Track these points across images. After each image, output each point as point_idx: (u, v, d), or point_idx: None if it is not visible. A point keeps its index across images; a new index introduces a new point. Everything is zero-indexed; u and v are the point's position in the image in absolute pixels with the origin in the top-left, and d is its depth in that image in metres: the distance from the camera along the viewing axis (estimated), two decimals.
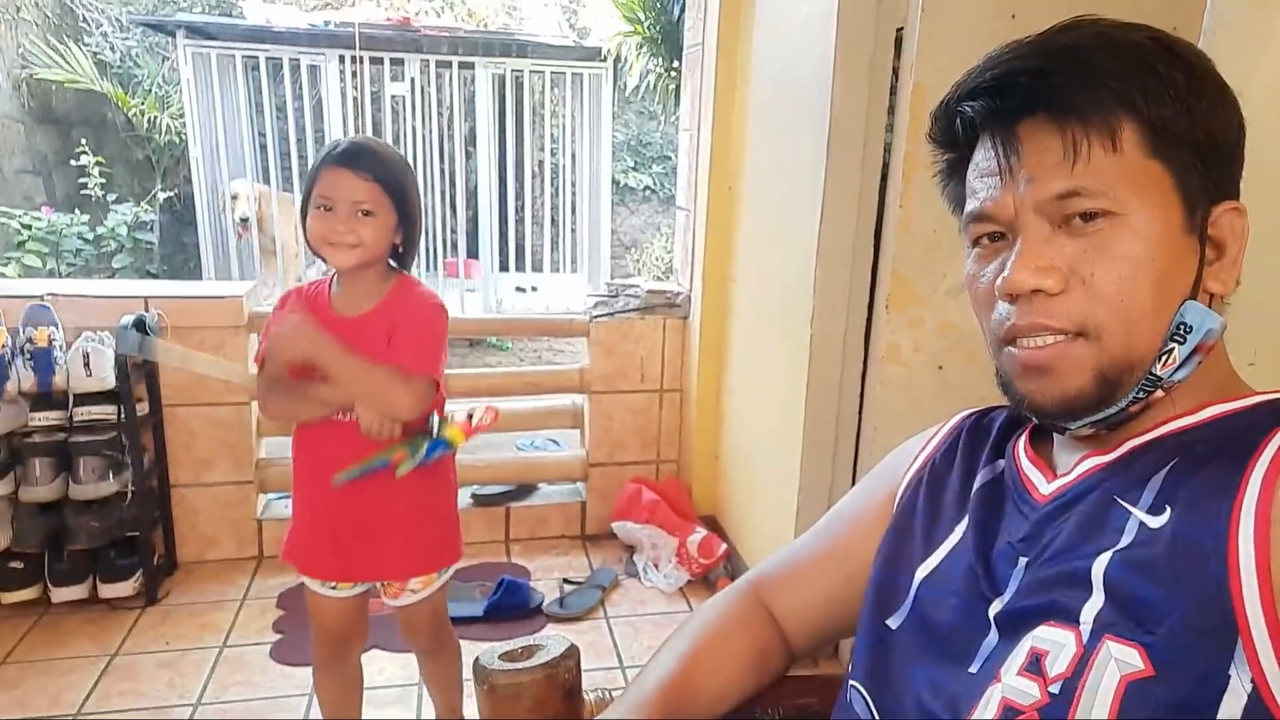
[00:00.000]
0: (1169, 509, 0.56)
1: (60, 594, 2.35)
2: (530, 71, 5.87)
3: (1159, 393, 0.61)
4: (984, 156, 0.64)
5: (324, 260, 1.45)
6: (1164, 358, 0.59)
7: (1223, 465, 0.56)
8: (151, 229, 6.22)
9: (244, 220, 5.52)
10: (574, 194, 6.23)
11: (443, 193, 5.96)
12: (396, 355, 1.44)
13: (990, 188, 0.62)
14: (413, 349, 1.46)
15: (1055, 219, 0.60)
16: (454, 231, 6.10)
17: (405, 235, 1.49)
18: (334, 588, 1.58)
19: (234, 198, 5.53)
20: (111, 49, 6.83)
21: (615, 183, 7.75)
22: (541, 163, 6.43)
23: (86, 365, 2.26)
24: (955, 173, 0.69)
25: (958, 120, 0.65)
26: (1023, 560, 0.64)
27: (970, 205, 0.65)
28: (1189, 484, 0.57)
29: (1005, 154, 0.61)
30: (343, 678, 1.69)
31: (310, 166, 1.46)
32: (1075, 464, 0.65)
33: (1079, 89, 0.58)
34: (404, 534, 1.55)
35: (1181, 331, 0.59)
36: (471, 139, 6.13)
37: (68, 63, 6.02)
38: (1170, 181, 0.59)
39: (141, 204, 6.21)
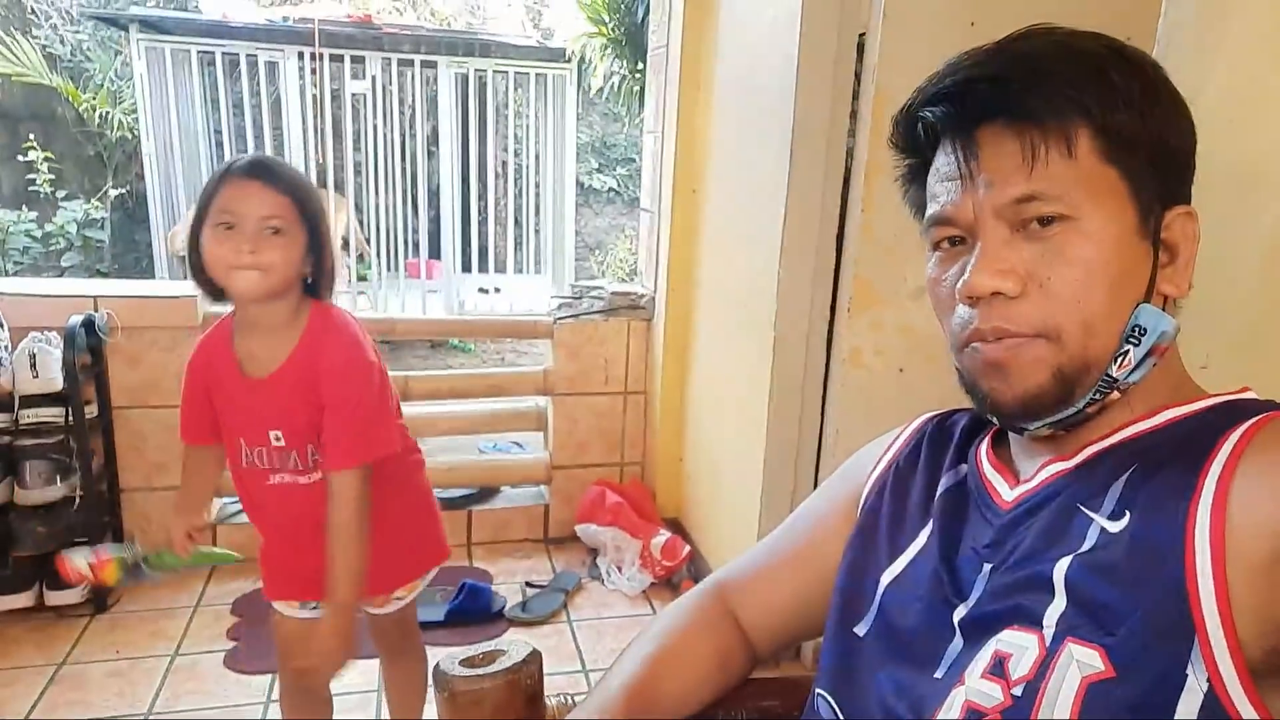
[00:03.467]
0: (1129, 514, 0.57)
1: (5, 602, 2.27)
2: (494, 71, 5.84)
3: (1115, 394, 0.62)
4: (944, 161, 0.64)
5: (221, 292, 1.29)
6: (1119, 359, 0.60)
7: (1179, 468, 0.57)
8: (102, 227, 6.08)
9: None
10: (538, 195, 6.20)
11: (404, 192, 5.90)
12: (328, 451, 1.32)
13: (950, 192, 0.63)
14: (347, 442, 1.33)
15: (1014, 223, 0.60)
16: (416, 232, 6.04)
17: (316, 262, 1.33)
18: (313, 607, 1.48)
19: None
20: (61, 42, 6.67)
21: (579, 184, 7.74)
22: (505, 163, 6.40)
23: (33, 366, 2.19)
24: (916, 178, 0.70)
25: (919, 125, 0.65)
26: (987, 566, 0.64)
27: (931, 209, 0.65)
28: (1147, 488, 0.58)
29: (965, 159, 0.62)
30: (315, 705, 1.63)
31: (204, 186, 1.30)
32: (1037, 470, 0.66)
33: (1036, 96, 0.59)
34: (385, 549, 1.45)
35: (1136, 334, 0.60)
36: (434, 138, 6.07)
37: (15, 56, 5.86)
38: (1124, 186, 0.60)
39: (92, 201, 6.07)
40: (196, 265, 1.30)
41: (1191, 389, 0.65)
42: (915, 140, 0.67)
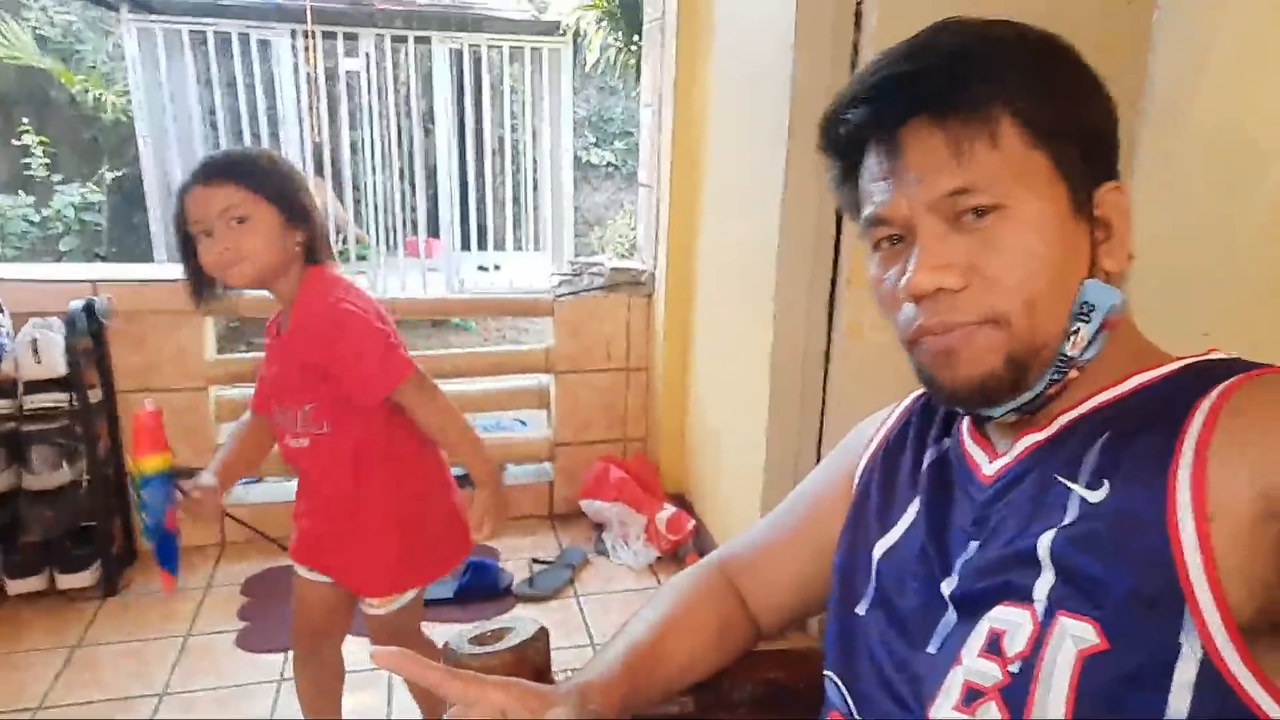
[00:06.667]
0: (1106, 483, 0.57)
1: (16, 586, 2.30)
2: (488, 46, 5.79)
3: (1074, 372, 0.62)
4: (873, 161, 0.64)
5: (230, 289, 1.39)
6: (1072, 338, 0.60)
7: (1155, 436, 0.57)
8: (99, 210, 6.05)
9: None
10: (535, 171, 6.17)
11: (401, 171, 5.87)
12: (355, 394, 1.37)
13: (882, 191, 0.63)
14: (367, 379, 1.37)
15: (949, 217, 0.60)
16: (414, 210, 6.01)
17: (306, 232, 1.37)
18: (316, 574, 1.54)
19: None
20: (52, 24, 6.59)
21: (577, 159, 7.69)
22: (502, 139, 6.35)
23: (35, 352, 2.20)
24: (848, 179, 0.69)
25: (842, 129, 0.65)
26: (973, 544, 0.65)
27: (866, 210, 0.65)
28: (1124, 456, 0.58)
29: (889, 159, 0.62)
30: (320, 669, 1.64)
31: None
32: (1014, 442, 0.66)
33: (955, 88, 0.59)
34: (362, 546, 1.46)
35: (1085, 310, 0.60)
36: (430, 115, 6.03)
37: (6, 39, 5.81)
38: (1052, 169, 0.60)
39: (88, 184, 6.03)
40: (198, 275, 1.37)
41: (1155, 352, 0.65)
42: (841, 144, 0.67)
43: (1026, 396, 0.62)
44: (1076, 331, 0.60)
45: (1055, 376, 0.61)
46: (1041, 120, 0.59)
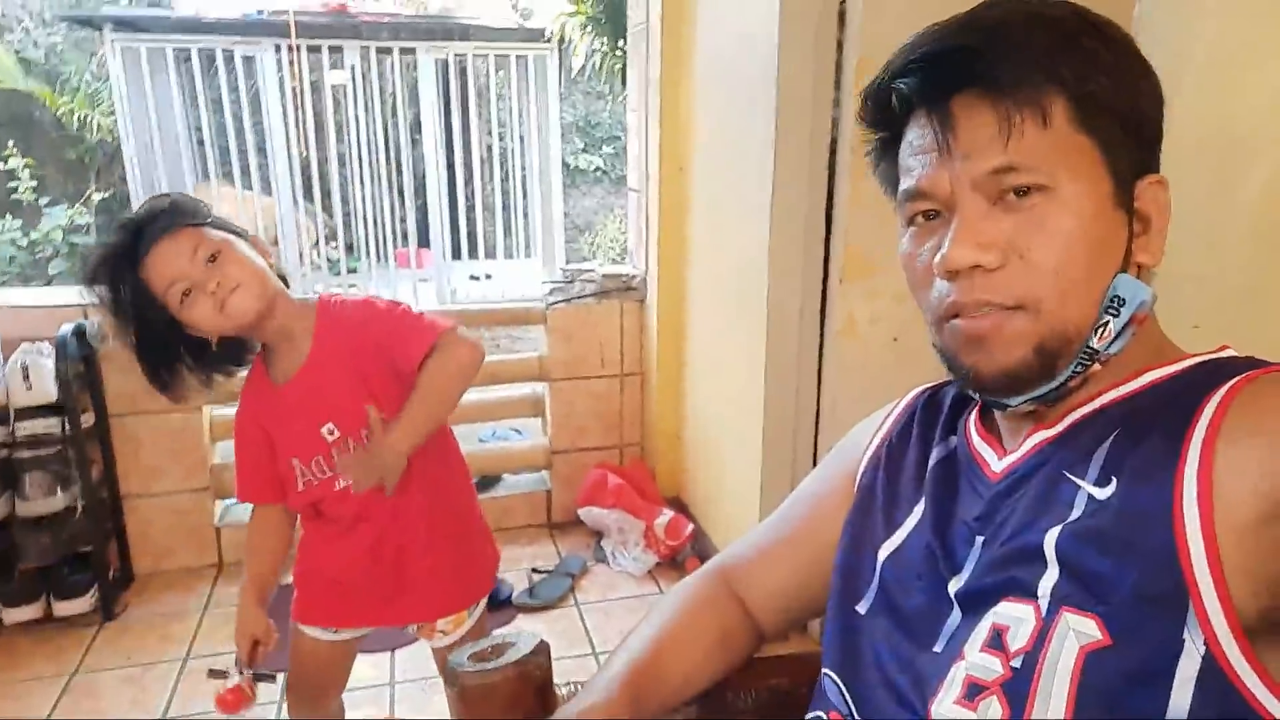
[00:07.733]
0: (1114, 480, 0.57)
1: (12, 615, 2.28)
2: (474, 55, 5.78)
3: (1096, 366, 0.61)
4: (917, 134, 0.63)
5: (239, 336, 1.29)
6: (1099, 331, 0.60)
7: (1163, 433, 0.56)
8: (88, 232, 6.03)
9: None
10: (524, 178, 6.16)
11: (390, 181, 5.85)
12: (405, 357, 1.29)
13: (925, 165, 0.62)
14: (406, 338, 1.30)
15: (991, 195, 0.60)
16: (404, 221, 6.00)
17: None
18: (335, 631, 1.47)
19: None
20: (35, 46, 6.57)
21: (566, 165, 7.69)
22: (490, 147, 6.35)
23: (26, 378, 2.18)
24: (887, 153, 0.69)
25: (892, 98, 0.64)
26: (979, 539, 0.64)
27: (905, 183, 0.64)
28: (1132, 454, 0.57)
29: (941, 130, 0.61)
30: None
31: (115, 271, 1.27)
32: (1024, 439, 0.65)
33: (1010, 65, 0.58)
34: (426, 572, 1.42)
35: (1115, 304, 0.60)
36: (417, 126, 6.02)
37: None
38: (1099, 156, 0.59)
39: (76, 206, 6.02)
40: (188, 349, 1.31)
41: (1170, 350, 0.65)
42: (887, 114, 0.66)
43: (1049, 386, 0.61)
44: (1105, 325, 0.60)
45: (1078, 369, 0.61)
46: (1093, 104, 0.58)
